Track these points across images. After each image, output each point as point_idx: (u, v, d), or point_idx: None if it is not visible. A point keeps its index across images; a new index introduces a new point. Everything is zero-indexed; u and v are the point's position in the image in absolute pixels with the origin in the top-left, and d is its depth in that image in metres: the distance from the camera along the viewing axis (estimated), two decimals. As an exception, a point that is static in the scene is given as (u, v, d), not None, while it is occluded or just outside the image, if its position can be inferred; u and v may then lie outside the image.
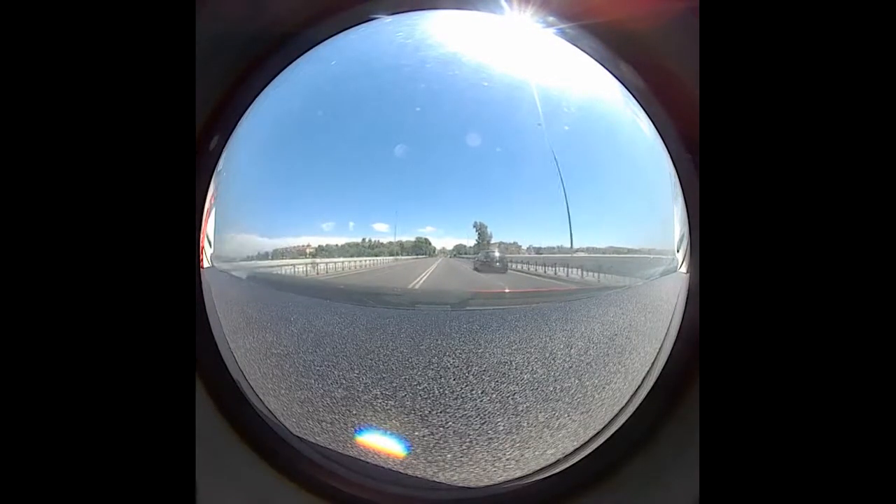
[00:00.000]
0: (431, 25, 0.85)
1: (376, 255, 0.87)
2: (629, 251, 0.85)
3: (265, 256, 0.86)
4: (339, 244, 0.86)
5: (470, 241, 0.85)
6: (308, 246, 0.87)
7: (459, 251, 0.87)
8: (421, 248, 0.88)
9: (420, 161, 0.79)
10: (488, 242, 0.85)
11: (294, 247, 0.86)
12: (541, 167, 0.79)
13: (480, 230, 0.85)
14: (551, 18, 0.79)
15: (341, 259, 0.88)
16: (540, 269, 0.89)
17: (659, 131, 0.80)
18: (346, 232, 0.83)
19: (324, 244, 0.86)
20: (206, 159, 0.81)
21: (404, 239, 0.87)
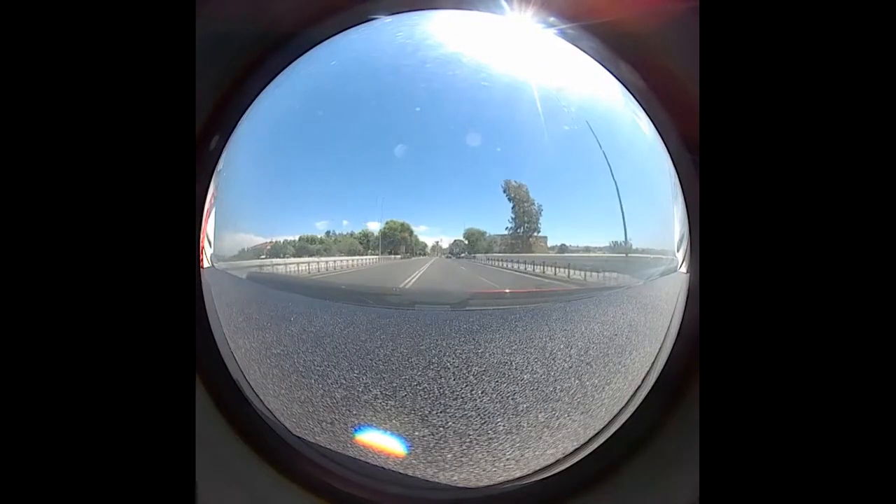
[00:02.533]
0: (431, 25, 0.85)
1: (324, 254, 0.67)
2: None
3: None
4: (295, 239, 0.70)
5: (486, 225, 0.60)
6: (269, 243, 0.75)
7: (471, 245, 0.62)
8: (396, 241, 0.60)
9: (419, 161, 0.79)
10: (536, 223, 0.57)
11: (254, 245, 0.76)
12: (541, 167, 0.79)
13: (517, 196, 0.56)
14: (551, 19, 0.79)
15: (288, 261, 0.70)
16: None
17: (659, 131, 0.80)
18: (342, 229, 0.74)
19: (280, 240, 0.71)
20: (206, 159, 0.81)
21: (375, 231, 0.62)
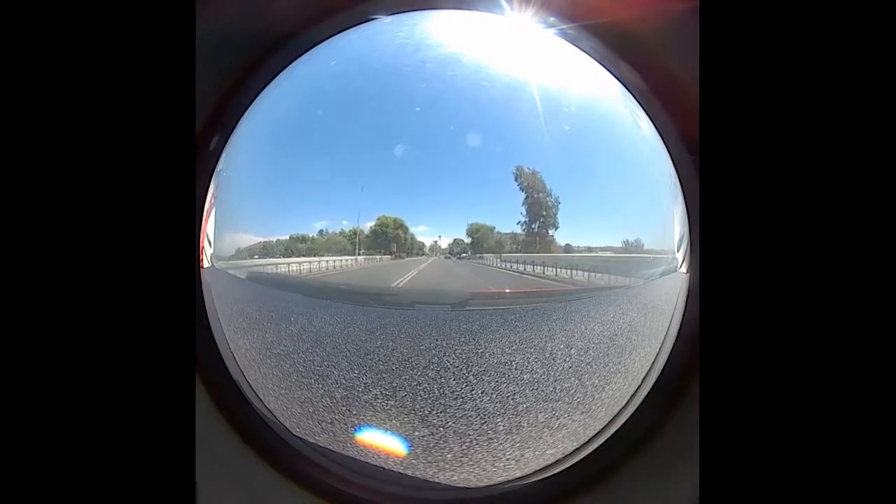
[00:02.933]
0: (431, 25, 0.85)
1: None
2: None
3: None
4: (285, 239, 0.64)
5: (494, 221, 0.49)
6: (260, 243, 0.72)
7: (477, 243, 0.50)
8: (389, 239, 0.51)
9: (419, 160, 0.79)
10: (553, 217, 0.46)
11: (248, 246, 0.74)
12: (541, 167, 0.79)
13: (531, 185, 0.44)
14: (551, 18, 0.79)
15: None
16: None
17: (659, 131, 0.80)
18: (342, 229, 0.71)
19: (272, 240, 0.67)
20: (206, 159, 0.81)
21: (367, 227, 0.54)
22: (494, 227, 0.50)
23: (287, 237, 0.64)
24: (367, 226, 0.57)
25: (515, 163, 0.79)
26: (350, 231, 0.52)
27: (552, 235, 0.52)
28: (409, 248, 0.53)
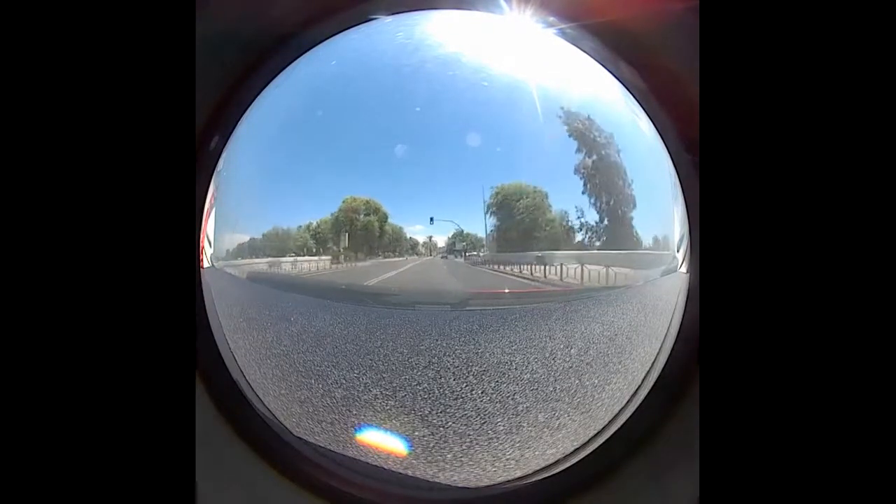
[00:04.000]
0: (431, 25, 0.85)
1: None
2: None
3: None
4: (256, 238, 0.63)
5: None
6: (240, 244, 0.73)
7: (499, 230, 0.39)
8: (357, 231, 0.40)
9: (418, 161, 0.79)
10: (629, 193, 0.35)
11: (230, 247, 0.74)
12: (542, 167, 0.79)
13: (589, 138, 0.30)
14: (551, 18, 0.79)
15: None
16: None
17: (659, 131, 0.80)
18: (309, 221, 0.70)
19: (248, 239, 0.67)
20: (206, 159, 0.81)
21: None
22: (547, 195, 0.35)
23: (260, 236, 0.63)
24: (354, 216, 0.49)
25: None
26: (319, 221, 0.42)
27: (629, 221, 0.38)
28: (390, 243, 0.43)
